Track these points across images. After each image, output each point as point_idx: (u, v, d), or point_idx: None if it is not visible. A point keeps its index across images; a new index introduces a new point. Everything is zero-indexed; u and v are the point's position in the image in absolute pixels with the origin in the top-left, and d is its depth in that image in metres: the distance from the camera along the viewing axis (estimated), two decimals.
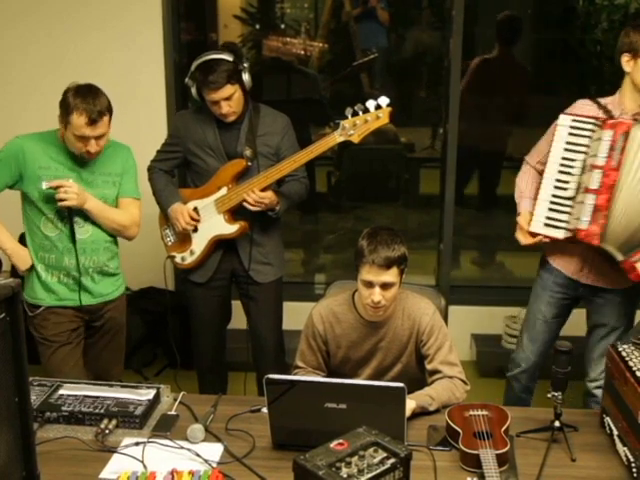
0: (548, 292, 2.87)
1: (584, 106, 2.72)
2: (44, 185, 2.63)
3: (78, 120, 2.55)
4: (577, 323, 2.95)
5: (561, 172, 2.64)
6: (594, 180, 2.56)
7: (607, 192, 2.54)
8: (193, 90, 2.92)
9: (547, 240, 2.70)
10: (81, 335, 2.87)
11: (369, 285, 2.35)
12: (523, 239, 2.74)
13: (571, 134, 2.62)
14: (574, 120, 2.63)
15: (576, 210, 2.61)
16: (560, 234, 2.66)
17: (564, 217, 2.64)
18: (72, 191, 2.62)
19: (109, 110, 2.62)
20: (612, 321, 2.80)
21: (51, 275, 2.77)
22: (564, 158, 2.63)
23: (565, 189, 2.64)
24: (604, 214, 2.55)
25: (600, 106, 2.68)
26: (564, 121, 2.65)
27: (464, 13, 3.83)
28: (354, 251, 2.41)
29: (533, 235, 2.70)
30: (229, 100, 2.86)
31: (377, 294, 2.34)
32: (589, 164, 2.58)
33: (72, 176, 2.68)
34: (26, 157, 2.66)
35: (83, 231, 2.74)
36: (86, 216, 2.72)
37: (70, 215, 2.69)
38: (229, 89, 2.83)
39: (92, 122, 2.56)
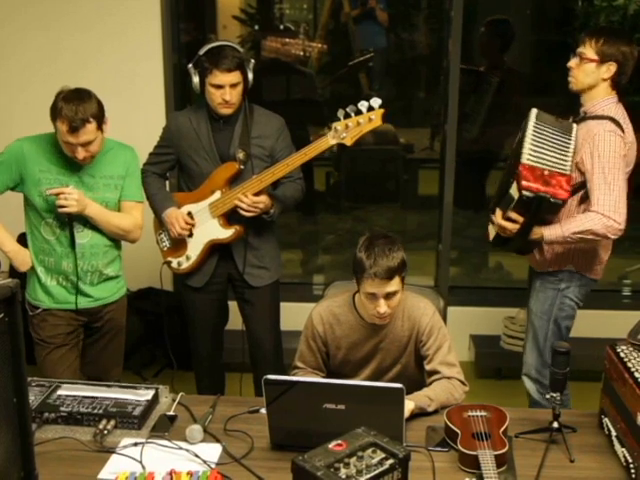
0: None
1: None
2: (45, 192, 2.62)
3: (61, 127, 2.53)
4: (575, 325, 2.95)
5: None
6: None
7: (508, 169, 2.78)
8: (195, 78, 2.87)
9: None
10: (78, 337, 2.88)
11: (373, 297, 2.33)
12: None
13: None
14: None
15: None
16: None
17: None
18: (72, 198, 2.60)
19: (96, 117, 2.55)
20: (531, 304, 2.93)
21: (50, 278, 2.78)
22: None
23: None
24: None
25: None
26: None
27: (463, 14, 3.83)
28: (352, 262, 2.38)
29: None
30: (234, 88, 2.83)
31: (382, 305, 2.33)
32: None
33: (72, 180, 2.67)
34: (26, 160, 2.65)
35: (82, 235, 2.73)
36: (85, 221, 2.71)
37: (70, 220, 2.68)
38: (237, 75, 2.81)
39: (73, 130, 2.51)
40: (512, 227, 2.64)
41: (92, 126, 2.55)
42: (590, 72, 2.68)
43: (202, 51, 2.85)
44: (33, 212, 2.72)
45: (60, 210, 2.62)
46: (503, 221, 2.66)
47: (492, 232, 2.84)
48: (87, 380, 2.78)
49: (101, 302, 2.85)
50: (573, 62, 2.72)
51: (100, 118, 2.58)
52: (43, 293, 2.79)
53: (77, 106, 2.51)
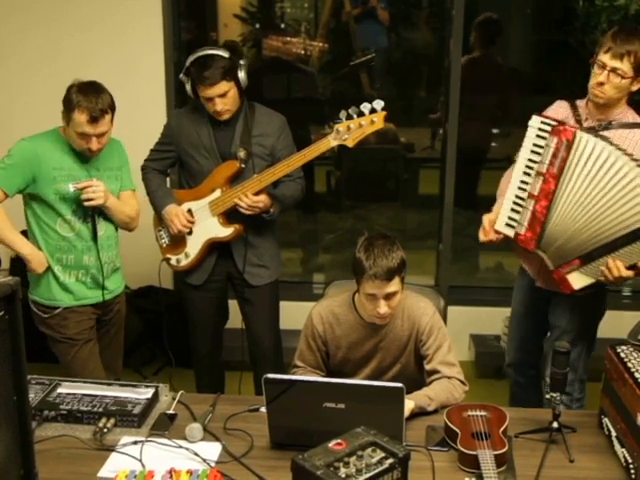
0: (520, 290, 2.98)
1: (558, 108, 2.72)
2: (71, 188, 2.65)
3: (79, 117, 2.56)
4: None
5: (525, 173, 2.59)
6: (536, 186, 2.54)
7: (545, 199, 2.52)
8: (187, 87, 2.90)
9: (502, 238, 2.69)
10: (96, 332, 2.90)
11: (373, 298, 2.34)
12: (482, 236, 2.74)
13: (538, 136, 2.55)
14: (542, 122, 2.56)
15: (522, 214, 2.61)
16: (512, 234, 2.66)
17: (518, 217, 2.63)
18: (99, 190, 2.66)
19: (111, 108, 2.62)
20: (563, 324, 2.79)
21: (69, 275, 2.79)
22: (529, 160, 2.57)
23: (525, 190, 2.60)
24: (540, 221, 2.54)
25: (574, 108, 2.68)
26: (534, 122, 2.57)
27: (464, 13, 3.83)
28: (351, 263, 2.38)
29: (497, 233, 2.69)
30: (224, 97, 2.83)
31: (383, 306, 2.33)
32: (536, 170, 2.55)
33: (82, 174, 2.71)
34: (40, 160, 2.66)
35: (99, 228, 2.78)
36: (99, 212, 2.75)
37: (93, 214, 2.72)
38: (224, 86, 2.81)
39: (93, 120, 2.56)
40: (634, 275, 2.47)
41: (109, 117, 2.62)
42: (624, 88, 2.52)
43: (189, 61, 2.86)
44: (45, 211, 2.72)
45: (87, 204, 2.66)
46: (628, 271, 2.44)
47: (582, 281, 2.56)
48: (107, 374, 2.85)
49: (114, 294, 2.90)
50: (604, 76, 2.50)
51: (114, 110, 2.65)
52: (62, 291, 2.79)
53: (96, 97, 2.57)
